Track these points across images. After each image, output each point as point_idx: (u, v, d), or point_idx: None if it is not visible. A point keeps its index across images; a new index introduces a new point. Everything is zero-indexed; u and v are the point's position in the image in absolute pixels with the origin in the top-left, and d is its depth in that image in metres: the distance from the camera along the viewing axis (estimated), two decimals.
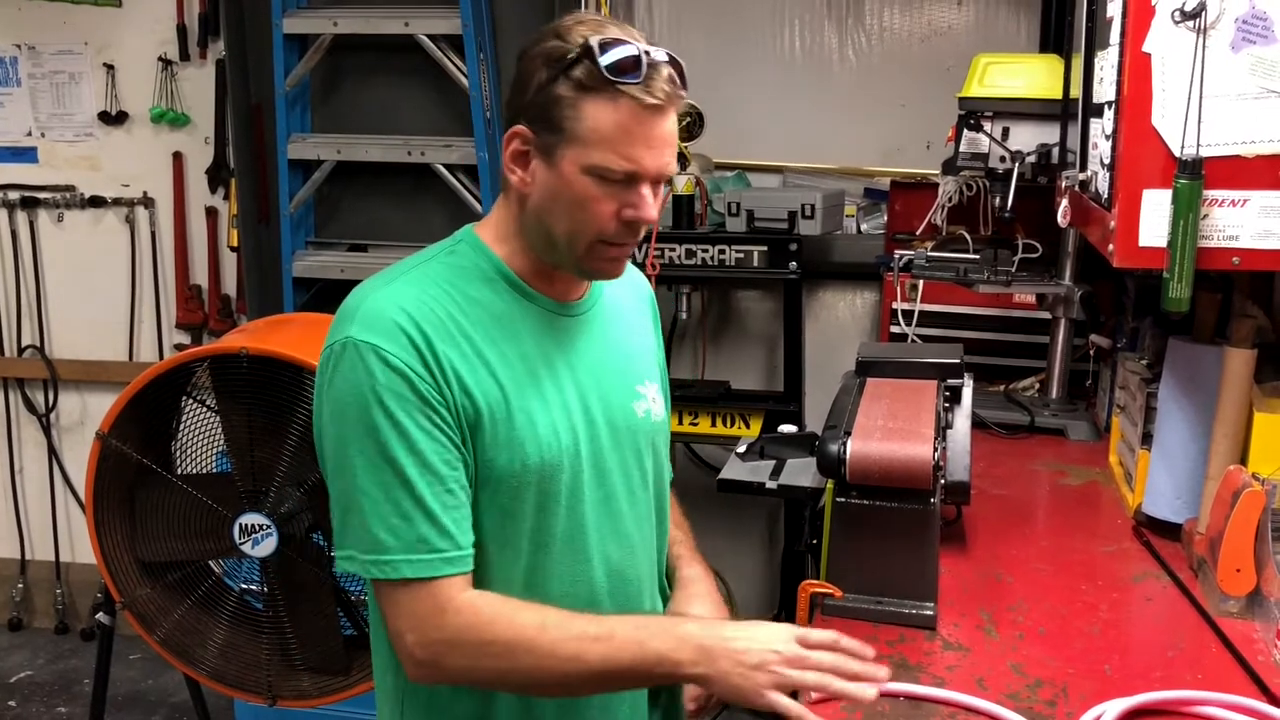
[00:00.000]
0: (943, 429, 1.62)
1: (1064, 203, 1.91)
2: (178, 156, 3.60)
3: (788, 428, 2.53)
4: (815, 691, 1.18)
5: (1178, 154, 1.45)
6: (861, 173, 3.21)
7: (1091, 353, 2.43)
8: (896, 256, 2.53)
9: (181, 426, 2.24)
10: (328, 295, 3.08)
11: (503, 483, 1.22)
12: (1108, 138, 1.59)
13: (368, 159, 3.05)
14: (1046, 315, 2.48)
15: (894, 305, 2.73)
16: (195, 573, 2.25)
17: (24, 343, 3.81)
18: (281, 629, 2.19)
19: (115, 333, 3.75)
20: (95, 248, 3.72)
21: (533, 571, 1.26)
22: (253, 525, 2.12)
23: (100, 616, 2.42)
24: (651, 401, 1.40)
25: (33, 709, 3.46)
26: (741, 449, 2.38)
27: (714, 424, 3.06)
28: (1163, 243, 1.46)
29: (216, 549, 2.18)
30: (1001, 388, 2.58)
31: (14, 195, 3.70)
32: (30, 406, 3.85)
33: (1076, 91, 1.94)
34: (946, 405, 1.74)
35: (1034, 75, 2.26)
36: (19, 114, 3.67)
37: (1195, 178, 1.43)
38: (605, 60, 1.15)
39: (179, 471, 2.24)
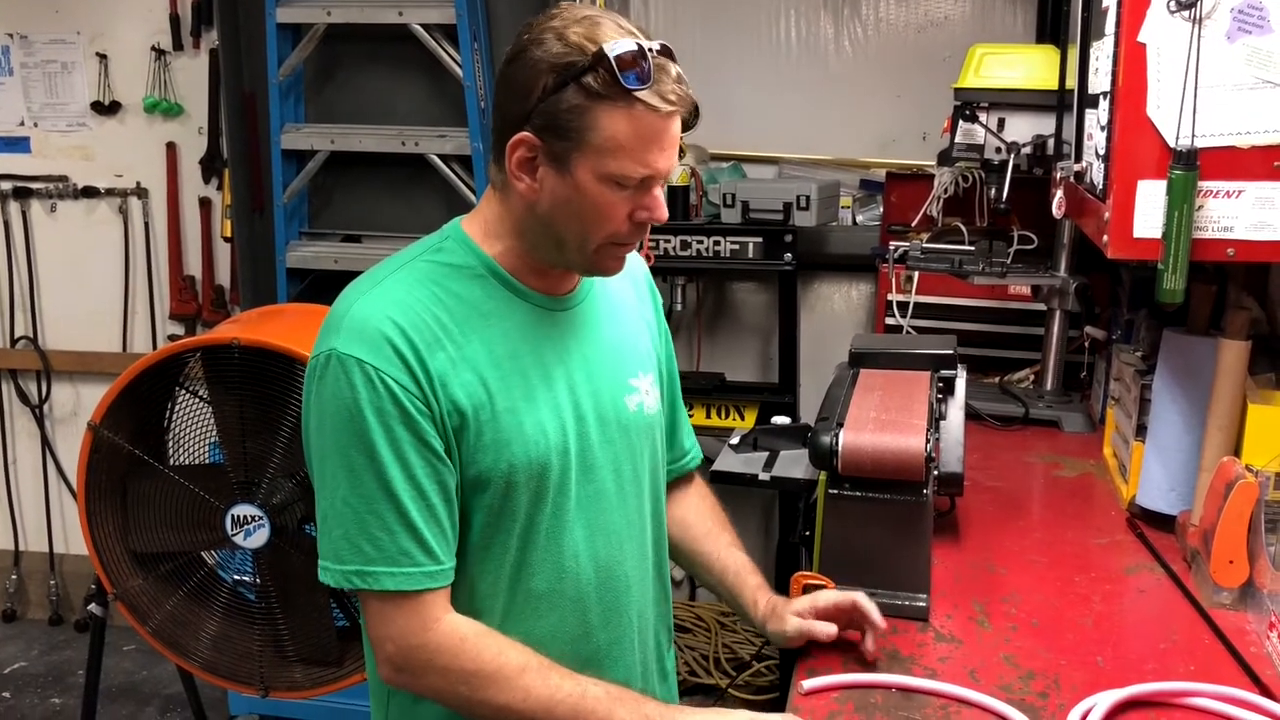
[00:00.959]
0: (936, 420, 1.62)
1: (1059, 194, 1.91)
2: (171, 147, 3.59)
3: (781, 419, 2.54)
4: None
5: (1173, 145, 1.45)
6: (857, 164, 3.21)
7: (1086, 344, 2.43)
8: (892, 248, 2.53)
9: (174, 417, 2.23)
10: (322, 285, 3.06)
11: (491, 484, 1.22)
12: (1103, 128, 1.59)
13: (362, 149, 3.03)
14: (1042, 307, 2.48)
15: (889, 297, 2.73)
16: (188, 564, 2.24)
17: (17, 333, 3.80)
18: (274, 620, 2.18)
19: (109, 323, 3.74)
20: (88, 238, 3.71)
21: (519, 568, 1.26)
22: (245, 516, 2.11)
23: (92, 608, 2.41)
24: (644, 394, 1.37)
25: (27, 700, 3.46)
26: (735, 440, 2.39)
27: (709, 415, 3.06)
28: (1157, 234, 1.45)
29: (209, 540, 2.17)
30: (997, 379, 2.58)
31: (7, 185, 3.68)
32: (24, 397, 3.84)
33: (1073, 82, 1.94)
34: (940, 396, 1.74)
35: (1030, 66, 2.25)
36: (11, 104, 3.65)
37: (1190, 169, 1.42)
38: (619, 67, 1.12)
39: (171, 462, 2.23)
